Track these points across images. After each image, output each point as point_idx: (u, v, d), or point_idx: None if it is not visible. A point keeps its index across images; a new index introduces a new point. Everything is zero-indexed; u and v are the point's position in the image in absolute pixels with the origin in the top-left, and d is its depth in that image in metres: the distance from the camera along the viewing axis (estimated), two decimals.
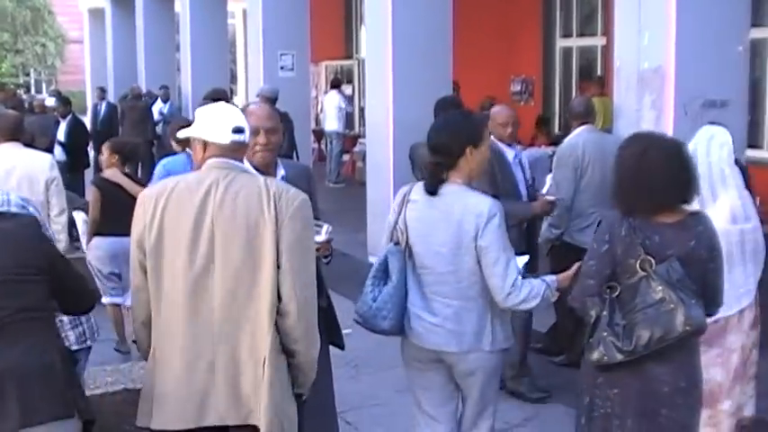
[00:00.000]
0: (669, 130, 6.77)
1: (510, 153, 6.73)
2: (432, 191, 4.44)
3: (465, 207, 4.38)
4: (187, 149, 6.97)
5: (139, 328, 3.87)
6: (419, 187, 4.58)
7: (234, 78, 28.68)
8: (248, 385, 3.65)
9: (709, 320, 4.89)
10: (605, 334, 4.01)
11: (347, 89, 20.99)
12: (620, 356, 3.99)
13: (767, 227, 8.99)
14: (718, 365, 5.30)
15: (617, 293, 4.06)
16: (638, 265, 3.99)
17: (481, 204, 4.40)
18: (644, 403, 4.08)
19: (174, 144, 7.90)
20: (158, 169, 7.78)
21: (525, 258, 4.74)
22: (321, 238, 4.50)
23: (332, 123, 18.79)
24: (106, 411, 4.60)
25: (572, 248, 6.72)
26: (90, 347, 5.33)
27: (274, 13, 14.36)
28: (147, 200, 3.75)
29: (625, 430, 4.12)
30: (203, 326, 3.65)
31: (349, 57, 22.54)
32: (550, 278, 4.53)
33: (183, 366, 3.66)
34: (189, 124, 7.17)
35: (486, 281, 4.40)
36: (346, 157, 19.26)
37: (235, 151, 3.81)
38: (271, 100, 11.19)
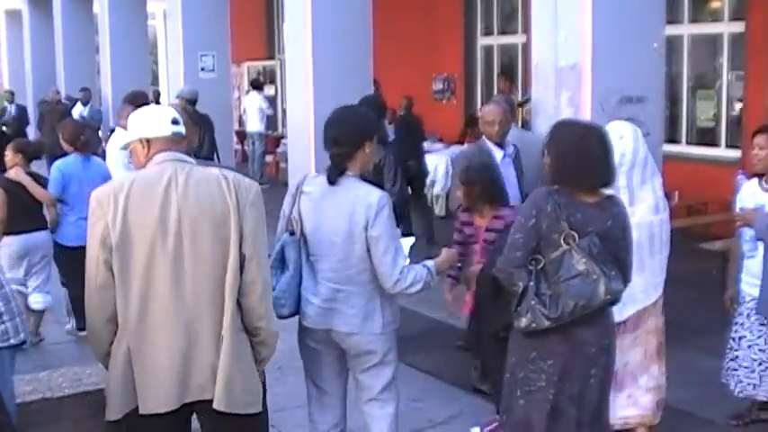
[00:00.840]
0: None
1: (498, 153, 6.73)
2: (333, 181, 4.61)
3: (356, 198, 4.59)
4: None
5: (102, 326, 3.87)
6: (312, 178, 4.82)
7: (156, 80, 28.39)
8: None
9: (632, 313, 5.44)
10: (533, 302, 4.29)
11: (269, 90, 20.91)
12: (547, 323, 4.29)
13: (686, 219, 9.07)
14: (636, 347, 5.66)
15: (541, 266, 4.35)
16: (562, 240, 4.29)
17: (371, 196, 4.61)
18: (577, 367, 4.41)
19: (65, 145, 8.11)
20: (53, 171, 8.22)
21: (411, 240, 5.04)
22: None
23: (254, 124, 18.72)
24: (22, 423, 4.51)
25: None
26: (15, 345, 5.21)
27: (194, 14, 14.22)
28: (103, 198, 3.79)
29: (561, 397, 4.40)
30: (178, 312, 3.77)
31: (271, 57, 22.45)
32: (430, 263, 4.79)
33: (163, 353, 3.77)
34: (79, 127, 7.19)
35: (376, 269, 4.62)
36: (270, 158, 19.18)
37: (177, 143, 3.97)
38: (190, 101, 11.11)
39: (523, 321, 4.32)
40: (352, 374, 5.02)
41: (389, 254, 4.59)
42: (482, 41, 17.28)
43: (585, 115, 7.08)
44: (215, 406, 3.79)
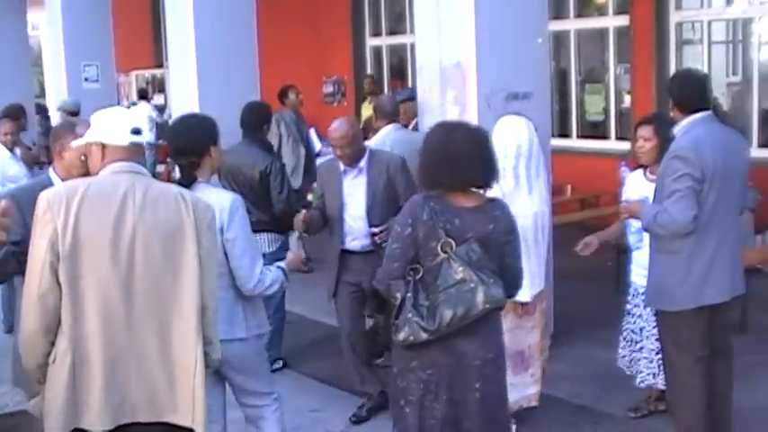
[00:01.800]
0: None
1: (341, 166, 6.31)
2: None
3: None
4: None
5: (41, 335, 3.66)
6: None
7: (44, 91, 27.77)
8: (164, 385, 3.71)
9: (533, 295, 5.62)
10: (410, 315, 4.14)
11: (159, 98, 20.60)
12: (425, 335, 4.14)
13: (579, 213, 9.04)
14: (536, 328, 5.90)
15: (420, 275, 4.19)
16: (439, 248, 4.14)
17: (224, 200, 4.68)
18: (458, 379, 4.24)
19: None
20: None
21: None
22: None
23: None
24: None
25: None
26: None
27: (76, 24, 13.90)
28: (54, 201, 3.62)
29: (441, 406, 4.26)
30: (123, 329, 3.64)
31: (159, 65, 22.08)
32: (282, 264, 4.99)
33: (106, 368, 3.64)
34: None
35: (235, 271, 4.68)
36: (161, 168, 18.86)
37: (135, 153, 3.82)
38: (72, 113, 10.83)
39: (401, 335, 4.18)
40: (229, 386, 4.99)
41: (247, 255, 4.68)
42: (371, 42, 17.23)
43: (472, 113, 7.05)
44: (195, 427, 3.77)
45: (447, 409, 4.25)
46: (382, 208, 6.17)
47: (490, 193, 4.39)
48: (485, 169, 4.29)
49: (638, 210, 5.35)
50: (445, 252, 4.13)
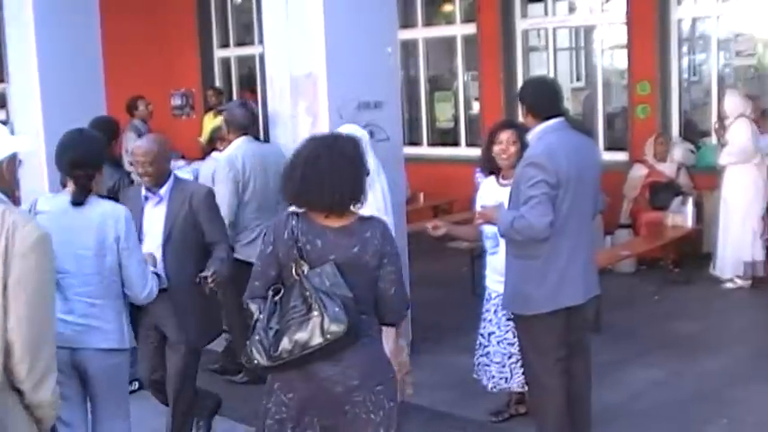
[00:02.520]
0: None
1: (144, 191, 5.79)
2: (81, 202, 4.67)
3: (104, 213, 4.71)
4: None
5: None
6: (47, 199, 4.92)
7: None
8: None
9: None
10: (258, 338, 3.93)
11: (1, 114, 19.96)
12: (267, 362, 3.90)
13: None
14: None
15: (280, 296, 3.96)
16: (293, 270, 3.93)
17: (118, 210, 4.80)
18: (321, 403, 4.00)
19: None
20: None
21: None
22: None
23: None
24: None
25: (243, 264, 6.29)
26: None
27: None
28: None
29: (308, 429, 4.05)
30: None
31: (1, 80, 21.36)
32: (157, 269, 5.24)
33: None
34: None
35: (129, 279, 4.78)
36: None
37: None
38: None
39: (248, 359, 3.95)
40: (90, 397, 4.87)
41: (142, 264, 4.84)
42: (219, 54, 17.03)
43: (324, 123, 7.02)
44: None
45: None
46: (181, 244, 5.66)
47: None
48: (353, 185, 4.00)
49: (494, 216, 5.36)
50: (298, 275, 3.90)
